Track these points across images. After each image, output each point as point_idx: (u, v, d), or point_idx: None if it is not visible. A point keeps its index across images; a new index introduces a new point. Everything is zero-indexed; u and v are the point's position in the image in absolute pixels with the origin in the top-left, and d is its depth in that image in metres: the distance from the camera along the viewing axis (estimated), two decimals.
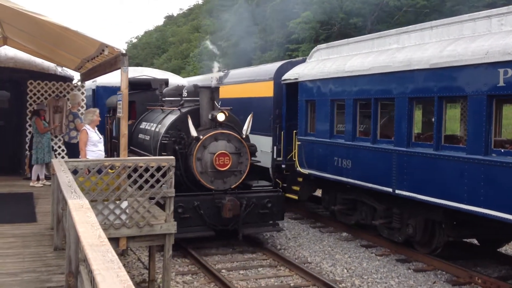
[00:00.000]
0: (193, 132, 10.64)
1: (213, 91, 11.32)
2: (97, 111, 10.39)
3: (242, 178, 11.00)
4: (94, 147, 10.09)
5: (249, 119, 11.32)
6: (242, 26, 48.56)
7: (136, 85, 14.01)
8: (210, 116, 11.02)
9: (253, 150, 11.42)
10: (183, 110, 11.49)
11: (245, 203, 10.68)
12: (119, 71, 8.52)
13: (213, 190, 10.67)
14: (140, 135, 13.15)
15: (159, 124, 11.85)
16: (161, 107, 12.78)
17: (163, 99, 13.07)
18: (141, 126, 13.39)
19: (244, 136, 11.14)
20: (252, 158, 11.45)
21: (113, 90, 15.85)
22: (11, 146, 14.68)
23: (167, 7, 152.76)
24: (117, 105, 9.00)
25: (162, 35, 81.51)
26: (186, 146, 10.88)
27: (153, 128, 12.16)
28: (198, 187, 10.73)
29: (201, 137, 10.64)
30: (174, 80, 18.46)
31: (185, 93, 12.93)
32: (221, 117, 10.85)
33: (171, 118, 11.53)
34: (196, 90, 12.00)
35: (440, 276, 9.70)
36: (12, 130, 14.69)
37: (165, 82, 14.76)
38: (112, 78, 14.91)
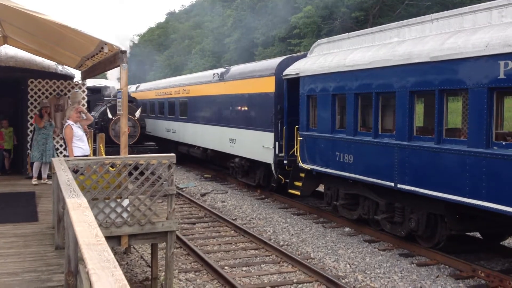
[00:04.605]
0: (109, 116, 19.81)
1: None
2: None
3: (135, 139, 20.25)
4: (80, 142, 10.17)
5: (139, 109, 21.24)
6: (244, 22, 48.44)
7: (92, 90, 23.59)
8: None
9: (142, 125, 21.38)
10: (108, 105, 20.49)
11: (135, 151, 18.59)
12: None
13: (119, 145, 19.51)
14: None
15: (97, 112, 20.96)
16: (101, 103, 21.65)
17: (104, 99, 22.08)
18: (92, 114, 21.94)
19: (136, 118, 20.45)
20: (146, 131, 23.17)
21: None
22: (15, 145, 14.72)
23: (169, 4, 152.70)
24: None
25: (164, 32, 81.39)
26: (107, 123, 20.02)
27: (95, 114, 20.59)
28: (113, 143, 18.78)
29: (113, 118, 19.51)
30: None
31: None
32: None
33: (102, 109, 20.93)
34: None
35: (443, 270, 9.68)
36: (15, 129, 14.71)
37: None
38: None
